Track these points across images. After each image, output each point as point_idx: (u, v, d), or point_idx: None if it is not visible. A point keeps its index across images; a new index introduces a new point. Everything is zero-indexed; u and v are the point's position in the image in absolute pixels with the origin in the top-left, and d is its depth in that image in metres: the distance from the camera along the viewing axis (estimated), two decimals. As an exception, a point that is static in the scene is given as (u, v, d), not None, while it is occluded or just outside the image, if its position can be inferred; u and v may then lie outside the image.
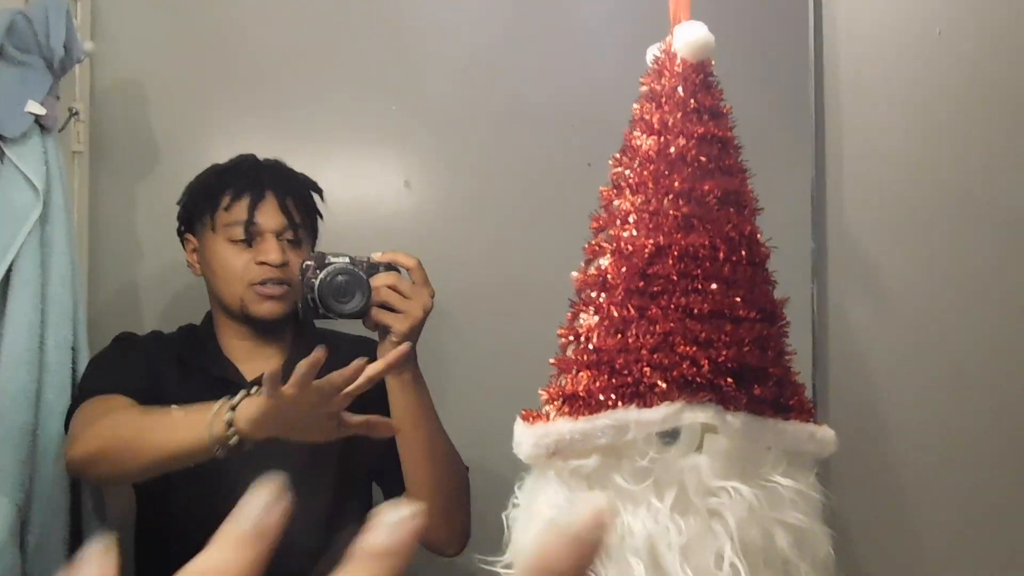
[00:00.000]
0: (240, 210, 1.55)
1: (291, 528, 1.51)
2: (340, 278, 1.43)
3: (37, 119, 1.56)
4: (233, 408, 1.30)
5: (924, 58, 1.54)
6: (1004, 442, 1.48)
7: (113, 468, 1.39)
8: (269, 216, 1.55)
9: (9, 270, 1.53)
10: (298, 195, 1.60)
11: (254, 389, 1.33)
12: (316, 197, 1.65)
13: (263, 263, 1.53)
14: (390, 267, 1.47)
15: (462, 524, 1.53)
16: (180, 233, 1.64)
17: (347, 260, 1.46)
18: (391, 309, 1.44)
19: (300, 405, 1.29)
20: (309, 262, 1.49)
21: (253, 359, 1.60)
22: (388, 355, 1.38)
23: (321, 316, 1.47)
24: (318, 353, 1.27)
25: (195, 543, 1.56)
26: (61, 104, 1.66)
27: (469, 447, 1.56)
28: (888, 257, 1.48)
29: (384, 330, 1.45)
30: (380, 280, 1.45)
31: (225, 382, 1.57)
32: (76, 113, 1.79)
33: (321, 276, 1.44)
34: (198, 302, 1.66)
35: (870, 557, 1.43)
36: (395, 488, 1.56)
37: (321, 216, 1.66)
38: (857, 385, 1.47)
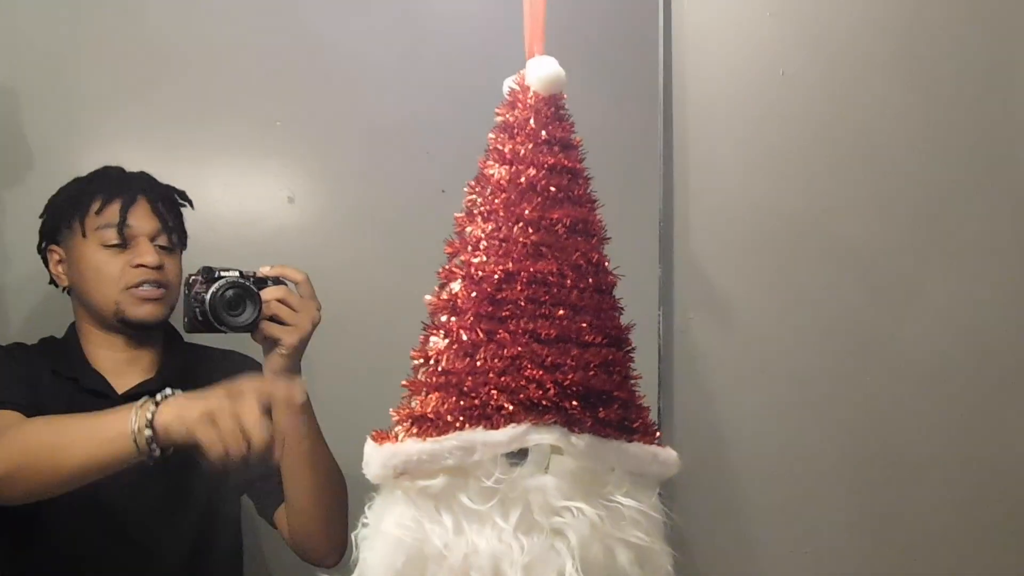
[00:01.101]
0: (112, 213, 1.53)
1: (162, 535, 1.48)
2: (231, 291, 1.44)
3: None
4: (150, 419, 1.26)
5: (768, 96, 1.62)
6: (841, 460, 1.55)
7: (30, 486, 1.31)
8: (142, 219, 1.54)
9: None
10: (169, 201, 1.60)
11: (168, 391, 1.30)
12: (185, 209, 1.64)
13: (140, 265, 1.52)
14: (278, 281, 1.49)
15: (341, 536, 1.52)
16: (42, 249, 1.61)
17: (237, 274, 1.47)
18: (280, 322, 1.44)
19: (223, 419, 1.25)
20: (196, 276, 1.49)
21: (123, 371, 1.58)
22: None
23: (210, 330, 1.46)
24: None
25: (68, 550, 1.48)
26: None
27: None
28: (732, 284, 1.55)
29: (272, 343, 1.46)
30: (270, 294, 1.46)
31: (96, 394, 1.54)
32: (-54, 117, 1.74)
33: (212, 290, 1.45)
34: (68, 312, 1.62)
35: (711, 574, 1.49)
36: (269, 499, 1.55)
37: (186, 234, 1.64)
38: (701, 408, 1.53)
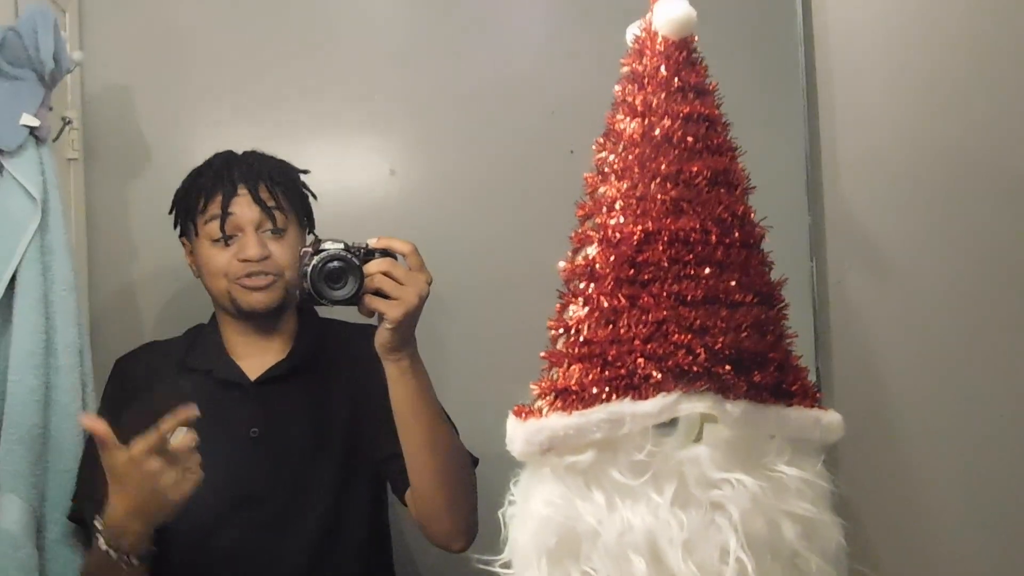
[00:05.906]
0: (214, 208, 1.57)
1: (298, 522, 1.51)
2: (332, 264, 1.43)
3: (32, 131, 1.59)
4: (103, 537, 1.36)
5: (920, 20, 1.46)
6: (1018, 421, 1.42)
7: None
8: (243, 210, 1.56)
9: (13, 279, 1.56)
10: (273, 182, 1.60)
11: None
12: (303, 179, 1.65)
13: (244, 260, 1.54)
14: (386, 253, 1.45)
15: (468, 517, 1.49)
16: (180, 238, 1.66)
17: (341, 246, 1.45)
18: (385, 296, 1.41)
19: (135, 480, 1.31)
20: (307, 248, 1.49)
21: (256, 354, 1.61)
22: None
23: (313, 303, 1.47)
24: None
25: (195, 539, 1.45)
26: (54, 114, 1.69)
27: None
28: (889, 230, 1.43)
29: (379, 316, 1.42)
30: (374, 266, 1.42)
31: (229, 384, 1.57)
32: (70, 122, 1.83)
33: (314, 262, 1.44)
34: (195, 299, 1.67)
35: (883, 546, 1.38)
36: (400, 478, 1.52)
37: (314, 196, 1.66)
38: (862, 366, 1.42)
